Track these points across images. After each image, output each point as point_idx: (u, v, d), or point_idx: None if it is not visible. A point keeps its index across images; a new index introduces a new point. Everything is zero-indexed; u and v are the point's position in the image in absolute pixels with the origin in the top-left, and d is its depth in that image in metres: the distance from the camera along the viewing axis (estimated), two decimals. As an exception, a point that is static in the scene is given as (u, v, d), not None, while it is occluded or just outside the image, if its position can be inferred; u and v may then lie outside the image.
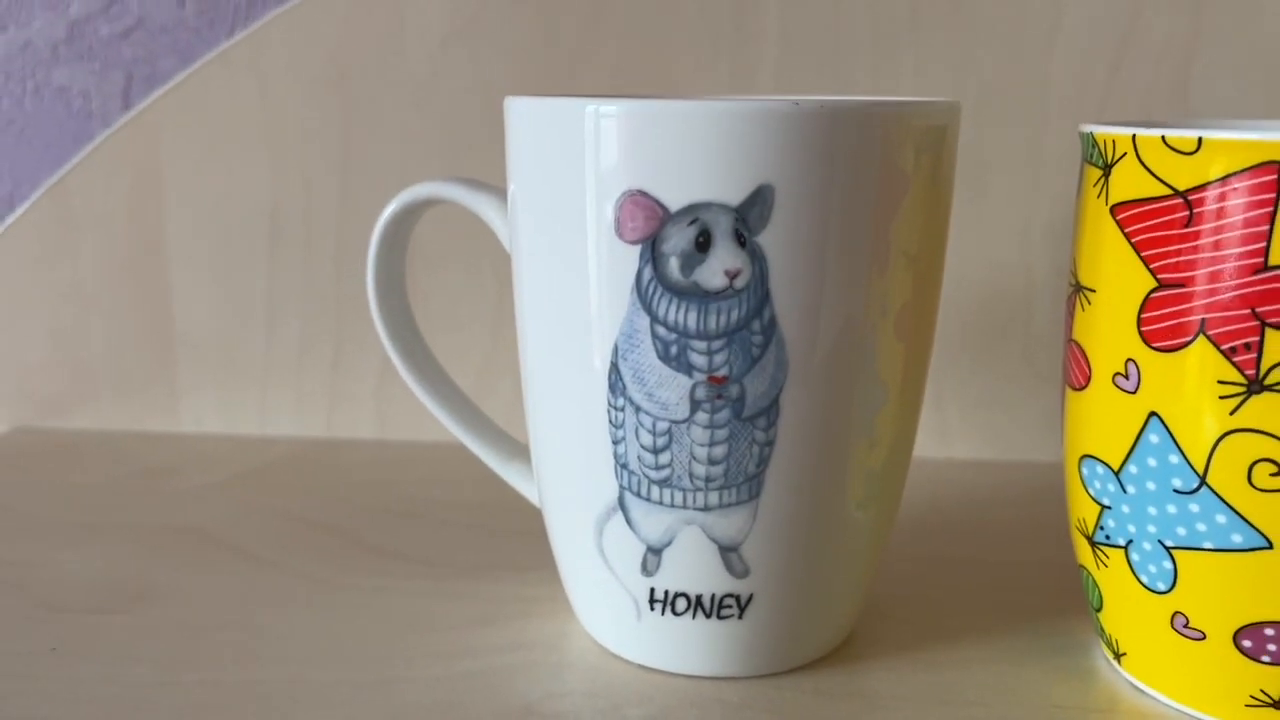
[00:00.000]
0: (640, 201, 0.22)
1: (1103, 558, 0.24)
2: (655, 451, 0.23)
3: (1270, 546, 0.21)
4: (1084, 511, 0.24)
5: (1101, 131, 0.23)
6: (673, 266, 0.22)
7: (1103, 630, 0.25)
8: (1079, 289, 0.24)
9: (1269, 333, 0.20)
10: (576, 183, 0.22)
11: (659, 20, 0.38)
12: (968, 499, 0.36)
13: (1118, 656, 0.25)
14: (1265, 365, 0.20)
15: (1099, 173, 0.23)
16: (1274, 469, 0.21)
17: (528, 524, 0.30)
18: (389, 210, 0.28)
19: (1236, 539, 0.21)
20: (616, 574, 0.24)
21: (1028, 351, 0.39)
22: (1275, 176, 0.20)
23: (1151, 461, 0.22)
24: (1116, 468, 0.23)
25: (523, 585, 0.29)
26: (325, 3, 0.39)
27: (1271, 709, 0.22)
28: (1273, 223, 0.20)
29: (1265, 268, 0.20)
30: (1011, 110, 0.37)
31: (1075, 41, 0.37)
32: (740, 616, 0.24)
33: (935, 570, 0.31)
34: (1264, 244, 0.20)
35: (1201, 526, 0.22)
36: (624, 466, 0.23)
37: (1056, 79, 0.37)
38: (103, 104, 0.46)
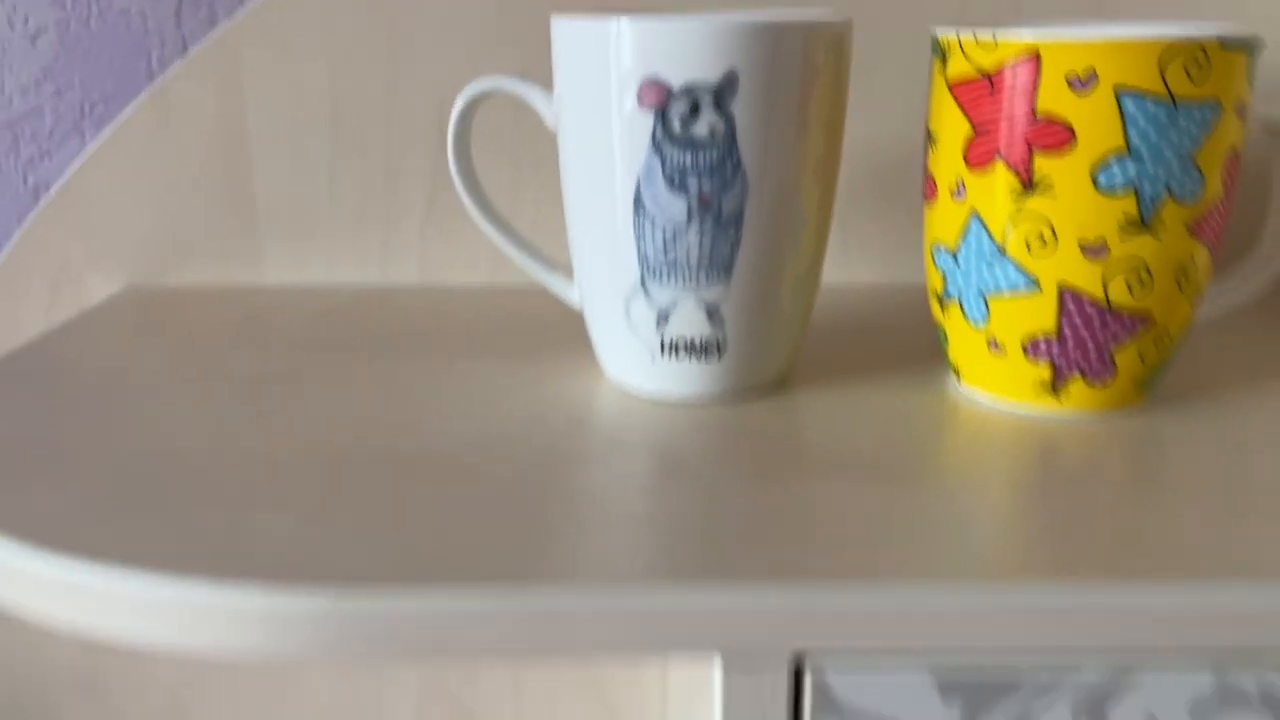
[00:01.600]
0: (654, 83, 0.34)
1: (947, 309, 0.38)
2: (664, 248, 0.36)
3: (1039, 288, 0.35)
4: (935, 282, 0.38)
5: (941, 34, 0.36)
6: (675, 125, 0.34)
7: (950, 362, 0.39)
8: (929, 136, 0.37)
9: (1036, 156, 0.34)
10: (608, 74, 0.35)
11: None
12: (868, 310, 0.50)
13: (958, 377, 0.39)
14: (1035, 176, 0.34)
15: (940, 61, 0.36)
16: (1041, 240, 0.34)
17: (557, 333, 0.43)
18: (461, 100, 0.39)
19: (1021, 284, 0.35)
20: (638, 332, 0.37)
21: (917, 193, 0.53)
22: (1035, 60, 0.33)
23: (973, 242, 0.36)
24: (953, 249, 0.37)
25: (562, 363, 0.42)
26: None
27: (1045, 392, 0.37)
28: (1036, 89, 0.33)
29: (1034, 117, 0.34)
30: (903, 16, 0.50)
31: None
32: (720, 358, 0.38)
33: (845, 341, 0.45)
34: (1032, 103, 0.33)
35: (1003, 279, 0.35)
36: (643, 259, 0.36)
37: (928, -6, 0.50)
38: (158, 24, 0.56)
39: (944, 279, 0.37)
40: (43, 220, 0.53)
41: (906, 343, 0.45)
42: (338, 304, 0.51)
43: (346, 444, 0.35)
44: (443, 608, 0.26)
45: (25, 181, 0.58)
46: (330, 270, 0.54)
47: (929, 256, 0.38)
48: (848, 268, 0.54)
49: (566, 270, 0.41)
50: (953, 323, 0.38)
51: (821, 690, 0.27)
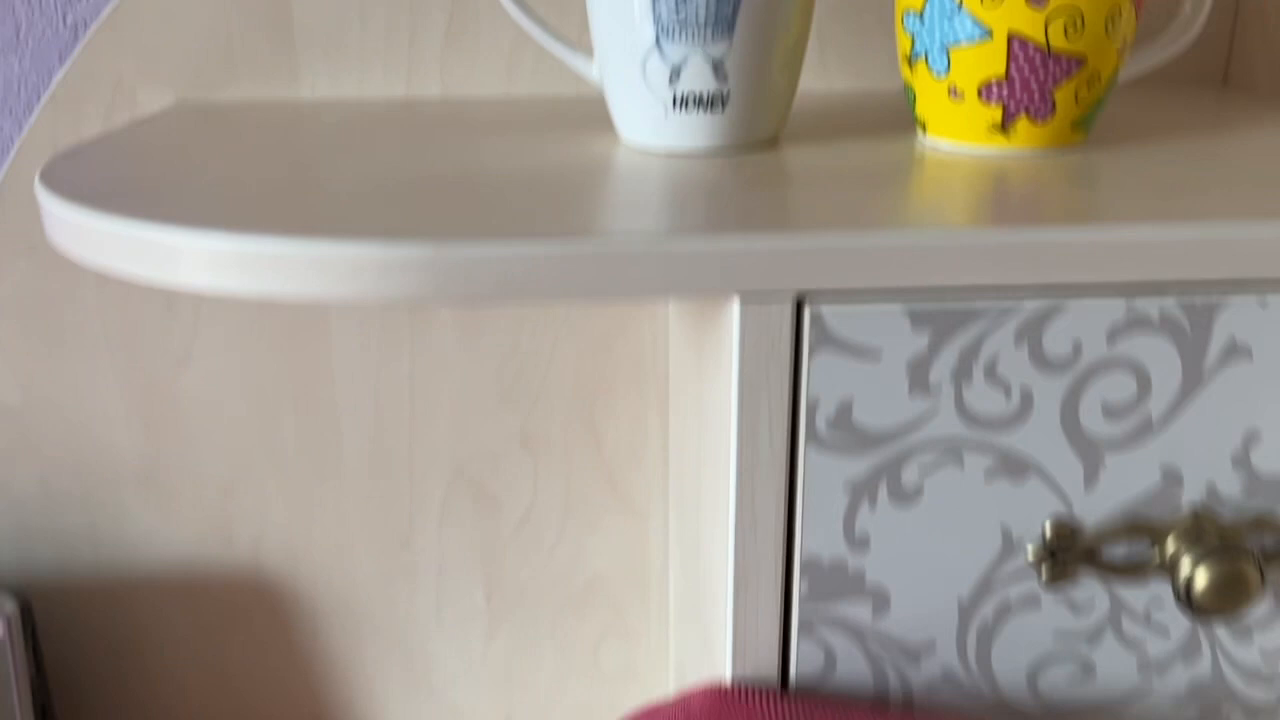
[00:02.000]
0: None
1: (915, 67, 0.44)
2: (676, 8, 0.42)
3: (991, 36, 0.42)
4: (905, 45, 0.45)
5: None
6: (685, -104, 0.40)
7: (916, 118, 0.46)
8: (899, -85, 0.44)
9: (988, -82, 0.40)
10: None
11: None
12: (844, 106, 0.57)
13: (924, 130, 0.46)
14: (987, -63, 0.40)
15: None
16: (993, -7, 0.41)
17: (571, 123, 0.49)
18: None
19: (977, 34, 0.42)
20: (653, 89, 0.44)
21: (887, 10, 0.59)
22: None
23: (936, 1, 0.42)
24: (919, 10, 0.43)
25: (580, 137, 0.49)
26: None
27: (996, 132, 0.43)
28: None
29: (986, -116, 0.40)
30: None
31: None
32: (724, 110, 0.44)
33: (825, 123, 0.51)
34: None
35: (961, 31, 0.42)
36: (658, 19, 0.42)
37: None
38: None
39: (912, 40, 0.44)
40: (97, 41, 0.58)
41: (878, 123, 0.52)
42: (372, 110, 0.57)
43: (416, 175, 0.41)
44: (519, 253, 0.33)
45: (65, 20, 0.63)
46: (360, 85, 0.59)
47: (899, 24, 0.45)
48: (825, 77, 0.60)
49: (584, 52, 0.48)
50: (919, 79, 0.44)
51: (817, 321, 0.34)
